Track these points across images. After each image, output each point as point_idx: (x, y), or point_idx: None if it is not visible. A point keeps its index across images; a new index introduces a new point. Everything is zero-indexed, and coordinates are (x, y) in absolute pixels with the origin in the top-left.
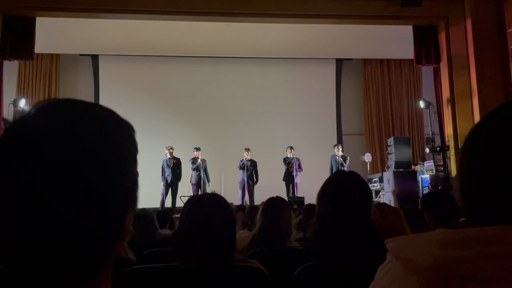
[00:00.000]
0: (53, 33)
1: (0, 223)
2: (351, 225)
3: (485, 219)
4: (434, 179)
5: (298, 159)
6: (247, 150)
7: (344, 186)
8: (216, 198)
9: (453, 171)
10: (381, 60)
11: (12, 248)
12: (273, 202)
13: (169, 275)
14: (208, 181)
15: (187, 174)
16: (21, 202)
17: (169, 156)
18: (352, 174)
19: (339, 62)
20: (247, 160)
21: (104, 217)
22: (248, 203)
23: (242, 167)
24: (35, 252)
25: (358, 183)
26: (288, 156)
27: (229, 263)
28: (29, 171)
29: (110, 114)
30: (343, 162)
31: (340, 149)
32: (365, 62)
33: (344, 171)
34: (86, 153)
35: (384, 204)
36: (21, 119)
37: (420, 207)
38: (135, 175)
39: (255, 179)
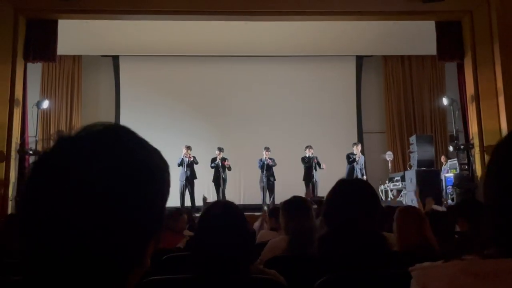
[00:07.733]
0: (74, 35)
1: (32, 238)
2: (359, 236)
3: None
4: (458, 178)
5: (316, 157)
6: (267, 149)
7: (349, 198)
8: (227, 208)
9: (478, 169)
10: (402, 57)
11: (35, 263)
12: (296, 204)
13: (184, 286)
14: (226, 180)
15: (205, 173)
16: (53, 223)
17: (186, 155)
18: (358, 183)
19: (360, 59)
20: (267, 158)
21: (128, 243)
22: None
23: (261, 167)
24: (53, 266)
25: (364, 193)
26: (307, 155)
27: (244, 275)
28: (64, 193)
29: (143, 144)
30: (355, 161)
31: (359, 148)
32: (386, 58)
33: (348, 180)
34: (120, 179)
35: (408, 207)
36: (63, 143)
37: (455, 210)
38: (162, 207)
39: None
